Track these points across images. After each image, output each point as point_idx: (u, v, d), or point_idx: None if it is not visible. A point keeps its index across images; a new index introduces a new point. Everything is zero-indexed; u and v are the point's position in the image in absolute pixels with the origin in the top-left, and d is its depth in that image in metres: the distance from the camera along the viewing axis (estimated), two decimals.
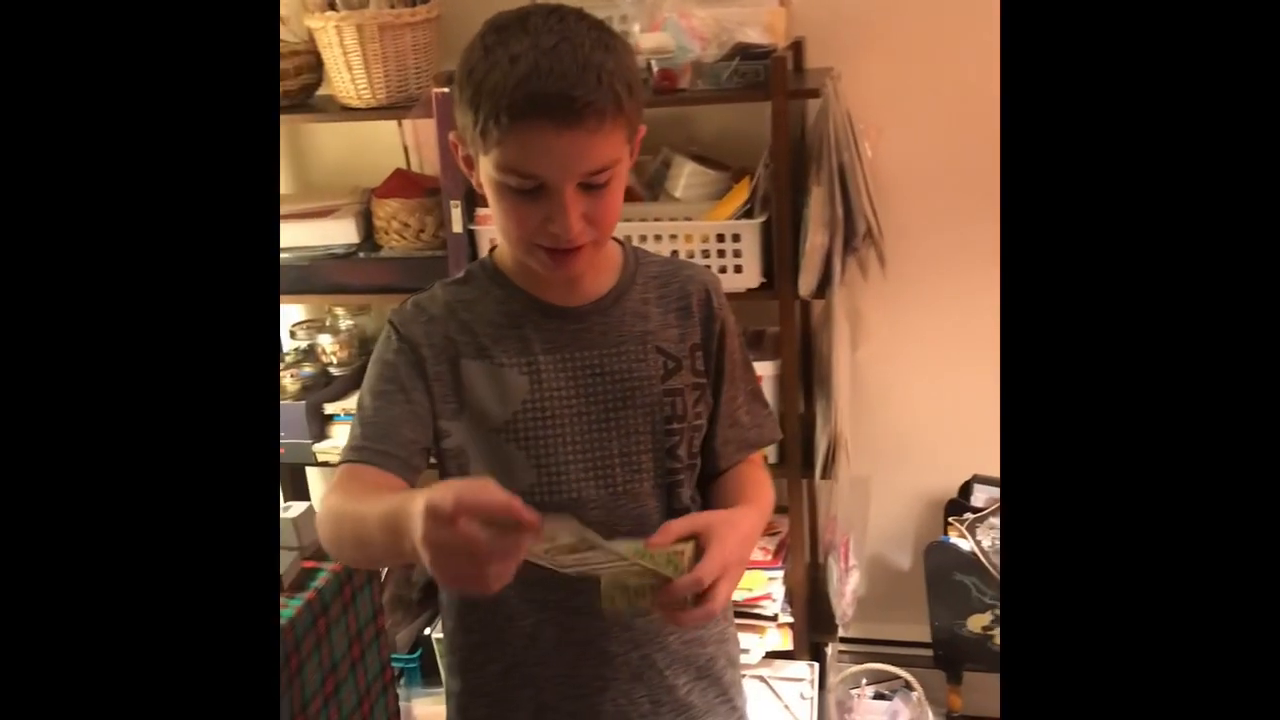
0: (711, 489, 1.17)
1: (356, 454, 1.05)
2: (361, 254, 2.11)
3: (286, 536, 1.68)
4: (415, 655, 2.25)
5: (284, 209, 2.19)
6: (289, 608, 1.56)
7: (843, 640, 2.33)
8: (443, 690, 2.16)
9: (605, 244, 1.07)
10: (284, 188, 2.39)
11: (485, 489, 0.82)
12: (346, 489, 1.02)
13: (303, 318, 2.46)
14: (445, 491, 0.81)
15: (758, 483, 1.16)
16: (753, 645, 2.01)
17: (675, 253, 1.88)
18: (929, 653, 2.18)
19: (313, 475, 2.54)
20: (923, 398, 2.22)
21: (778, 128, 1.80)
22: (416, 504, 0.82)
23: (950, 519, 2.03)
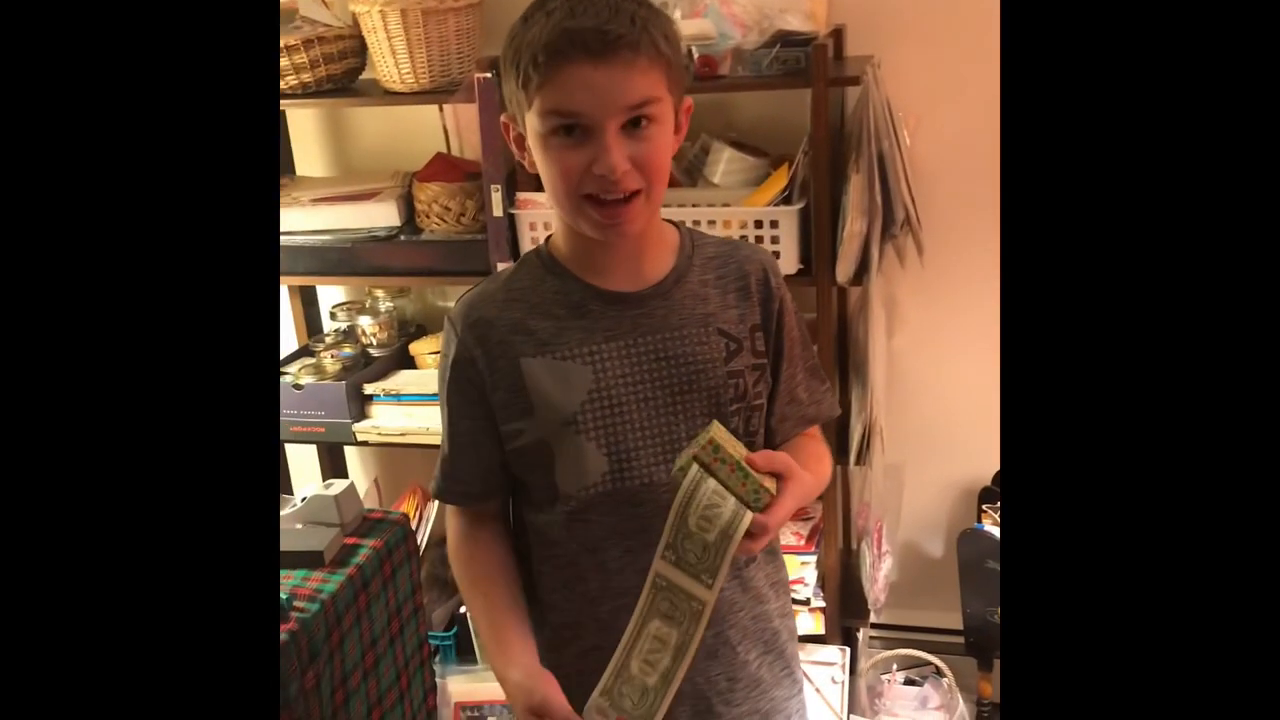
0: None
1: (440, 492, 1.20)
2: (402, 237, 2.13)
3: (328, 514, 1.71)
4: (451, 633, 2.28)
5: (326, 191, 2.22)
6: (330, 583, 1.59)
7: (875, 626, 2.34)
8: (478, 667, 2.21)
9: (656, 200, 1.06)
10: (326, 170, 2.43)
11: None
12: (462, 543, 1.20)
13: (343, 299, 2.49)
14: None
15: (818, 455, 1.19)
16: None
17: None
18: (960, 640, 2.19)
19: (351, 454, 2.58)
20: (958, 386, 2.22)
21: (817, 115, 1.81)
22: (508, 671, 1.10)
23: (984, 507, 2.04)
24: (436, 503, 2.38)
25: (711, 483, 0.97)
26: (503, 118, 1.09)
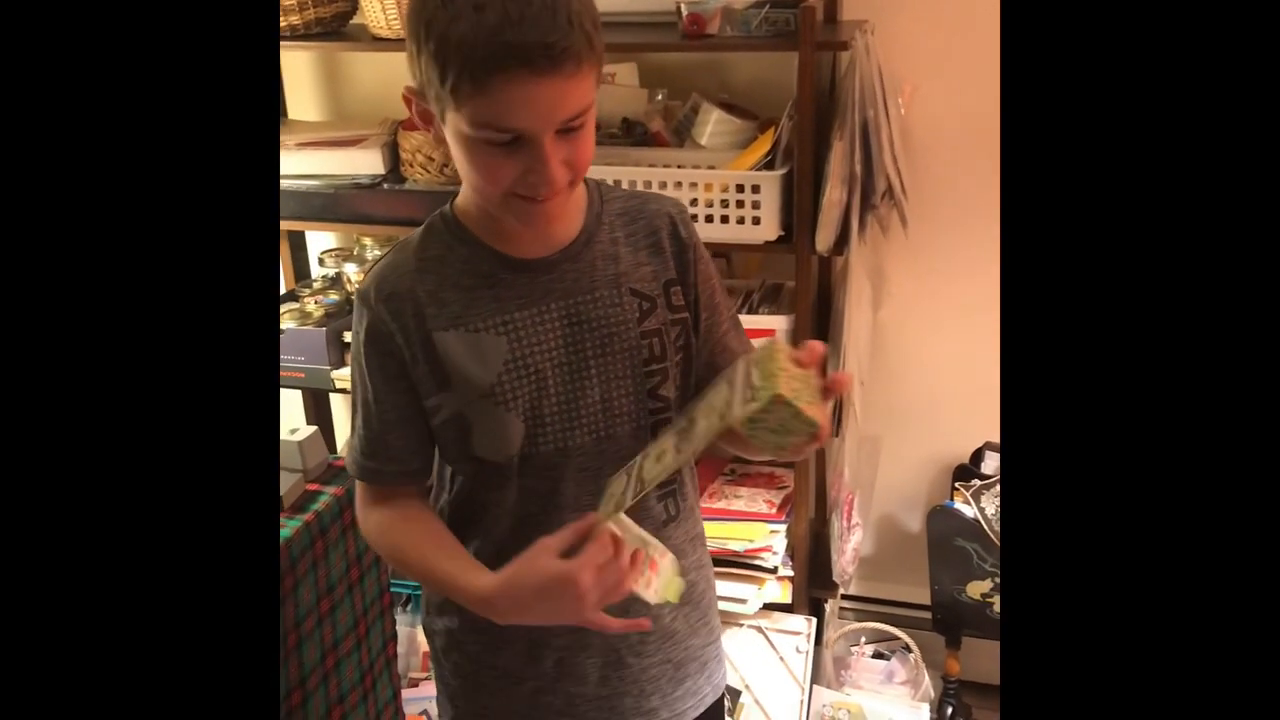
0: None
1: (359, 471, 1.15)
2: (385, 185, 2.12)
3: (291, 459, 1.71)
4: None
5: (314, 136, 2.21)
6: (287, 528, 1.60)
7: (847, 598, 2.34)
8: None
9: (577, 184, 1.04)
10: (316, 114, 2.41)
11: (546, 550, 0.99)
12: (389, 520, 1.14)
13: (332, 245, 2.49)
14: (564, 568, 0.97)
15: None
16: (750, 596, 2.02)
17: (695, 201, 1.87)
18: (930, 616, 2.19)
19: (336, 403, 2.59)
20: (942, 361, 2.20)
21: (803, 79, 1.77)
22: (480, 584, 1.03)
23: (957, 484, 2.02)
24: None
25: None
26: (405, 90, 1.03)
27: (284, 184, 2.15)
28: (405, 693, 2.07)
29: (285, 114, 2.38)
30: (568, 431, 1.08)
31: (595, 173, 1.14)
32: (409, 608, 2.30)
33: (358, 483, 1.17)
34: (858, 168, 1.76)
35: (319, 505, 1.67)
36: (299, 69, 2.40)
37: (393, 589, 1.94)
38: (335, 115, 2.41)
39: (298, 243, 2.48)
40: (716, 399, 0.95)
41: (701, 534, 1.24)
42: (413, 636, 2.27)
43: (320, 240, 2.51)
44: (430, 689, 2.20)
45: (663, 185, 1.87)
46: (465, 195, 1.09)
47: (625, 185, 1.79)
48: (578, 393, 1.08)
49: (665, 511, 1.15)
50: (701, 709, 1.24)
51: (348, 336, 2.22)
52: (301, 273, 2.49)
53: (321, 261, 2.46)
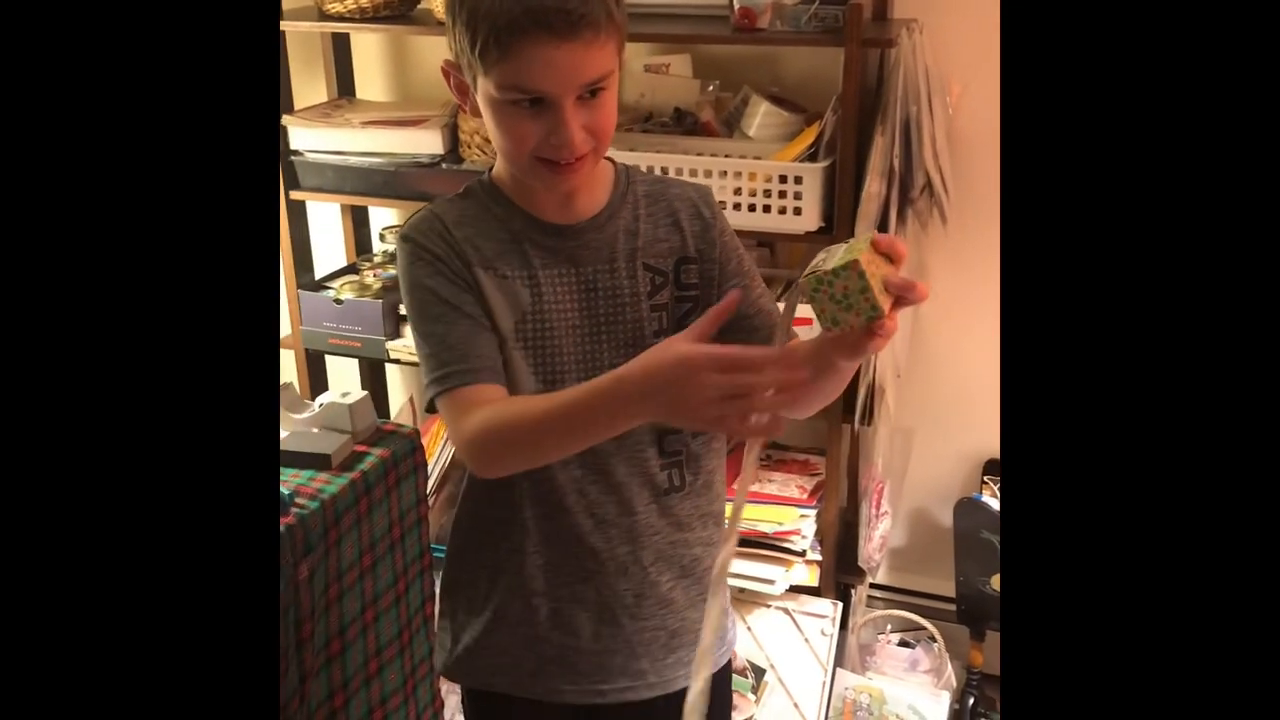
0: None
1: (451, 380, 1.10)
2: (444, 165, 2.20)
3: (341, 421, 1.80)
4: None
5: (378, 115, 2.30)
6: (333, 485, 1.69)
7: (875, 587, 2.38)
8: None
9: (602, 156, 1.12)
10: (382, 95, 2.51)
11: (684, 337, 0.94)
12: (494, 409, 1.07)
13: (395, 222, 2.58)
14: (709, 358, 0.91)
15: None
16: (778, 577, 2.08)
17: (739, 190, 1.93)
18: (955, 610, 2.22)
19: (392, 373, 2.69)
20: (978, 357, 2.23)
21: (848, 74, 1.82)
22: (607, 381, 0.97)
23: (985, 478, 2.05)
24: None
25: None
26: (443, 64, 1.12)
27: (348, 160, 2.25)
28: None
29: (354, 93, 2.47)
30: None
31: (646, 160, 1.21)
32: None
33: (447, 402, 1.11)
34: (896, 162, 1.80)
35: (365, 465, 1.75)
36: (368, 50, 2.49)
37: (434, 550, 2.03)
38: (400, 96, 2.50)
39: (360, 218, 2.58)
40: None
41: (716, 514, 1.28)
42: None
43: (382, 216, 2.60)
44: None
45: (708, 174, 1.92)
46: (500, 163, 1.18)
47: (673, 173, 1.86)
48: (591, 355, 1.15)
49: (669, 480, 1.20)
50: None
51: (404, 309, 2.31)
52: (363, 247, 2.59)
53: (382, 237, 2.55)
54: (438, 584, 1.89)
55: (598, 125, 1.07)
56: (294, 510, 1.61)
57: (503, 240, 1.15)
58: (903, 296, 0.94)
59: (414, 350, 2.27)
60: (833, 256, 0.94)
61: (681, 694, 1.27)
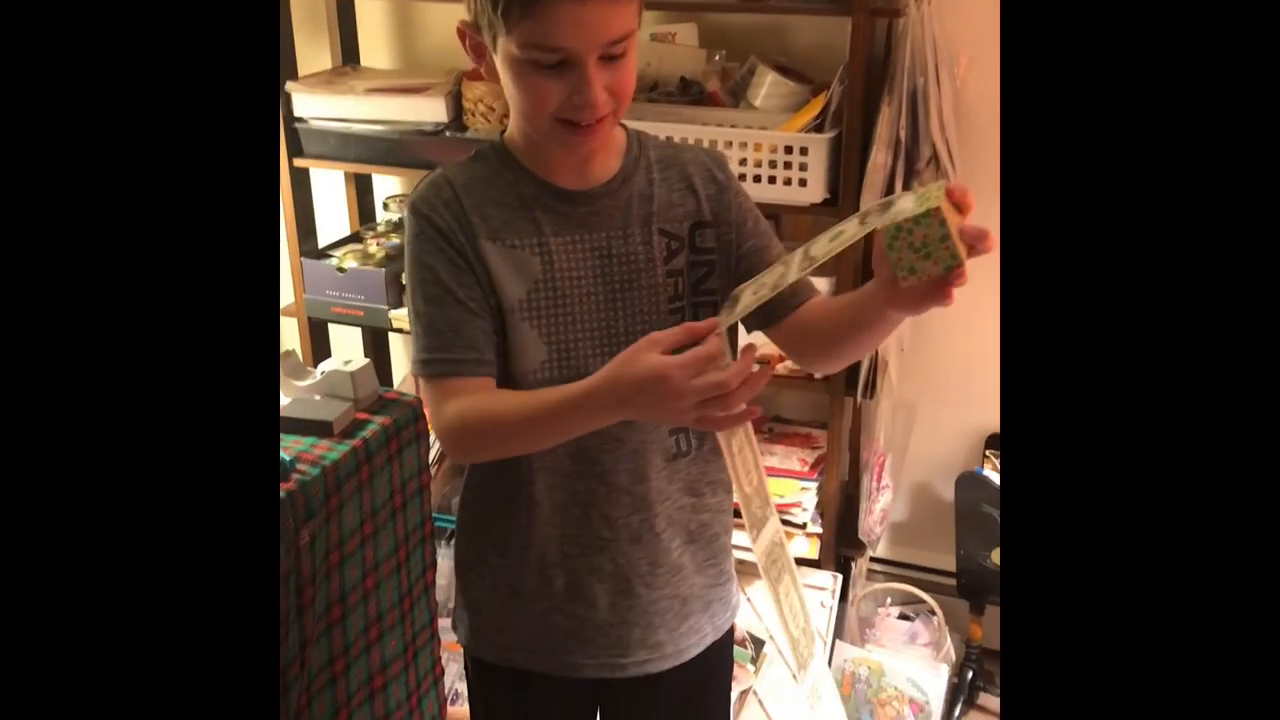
0: (814, 312, 1.17)
1: (433, 367, 1.12)
2: (448, 133, 2.19)
3: (343, 388, 1.80)
4: None
5: (383, 83, 2.29)
6: (335, 451, 1.69)
7: (876, 560, 2.38)
8: None
9: (620, 115, 1.11)
10: (388, 63, 2.49)
11: (652, 344, 0.96)
12: (470, 402, 1.09)
13: (398, 191, 2.58)
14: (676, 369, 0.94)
15: None
16: None
17: (744, 161, 1.92)
18: (955, 583, 2.23)
19: (395, 343, 2.68)
20: (981, 332, 2.21)
21: (855, 44, 1.81)
22: (581, 388, 1.00)
23: (988, 452, 2.05)
24: None
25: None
26: (460, 24, 1.11)
27: (352, 128, 2.24)
28: (442, 620, 2.16)
29: (358, 60, 2.46)
30: (591, 358, 1.15)
31: (651, 129, 1.21)
32: (450, 542, 2.40)
33: (429, 386, 1.14)
34: (903, 133, 1.79)
35: (367, 433, 1.75)
36: (373, 16, 2.48)
37: (435, 520, 2.03)
38: (405, 63, 2.49)
39: (364, 186, 2.57)
40: (857, 217, 0.93)
41: (725, 482, 1.28)
42: (450, 570, 2.37)
43: (385, 185, 2.60)
44: None
45: (714, 144, 1.91)
46: (514, 127, 1.16)
47: (678, 141, 1.84)
48: (605, 322, 1.15)
49: (676, 445, 1.21)
50: (702, 646, 1.30)
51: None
52: (366, 215, 2.58)
53: (386, 206, 2.54)
54: (439, 554, 1.90)
55: (619, 86, 1.06)
56: (295, 476, 1.61)
57: (512, 207, 1.14)
58: (974, 246, 0.93)
59: None
60: (895, 205, 0.93)
61: (691, 664, 1.28)
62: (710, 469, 1.25)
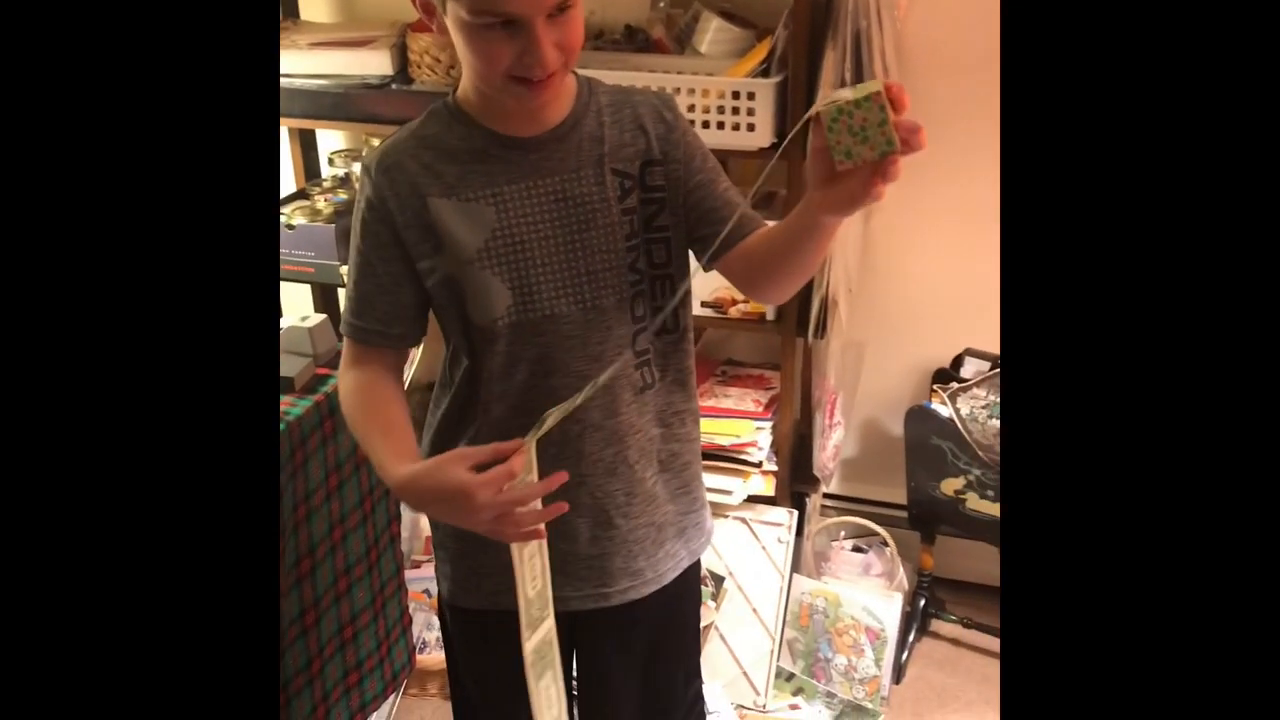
0: (758, 241, 1.20)
1: (347, 329, 1.24)
2: (394, 86, 2.18)
3: (302, 344, 1.81)
4: None
5: (325, 36, 2.26)
6: (298, 407, 1.70)
7: (829, 497, 2.45)
8: None
9: (570, 68, 1.14)
10: (328, 16, 2.46)
11: (462, 459, 1.07)
12: (357, 383, 1.24)
13: (342, 146, 2.55)
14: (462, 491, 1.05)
15: None
16: (735, 488, 2.13)
17: (692, 107, 1.93)
18: (907, 515, 2.30)
19: (343, 295, 2.67)
20: (926, 270, 2.28)
21: None
22: (397, 472, 1.12)
23: (935, 386, 2.11)
24: (421, 347, 2.49)
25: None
26: None
27: (294, 83, 2.22)
28: (408, 572, 2.19)
29: (298, 14, 2.43)
30: (555, 299, 1.18)
31: (597, 77, 1.23)
32: None
33: (344, 345, 1.26)
34: (848, 76, 1.82)
35: (328, 388, 1.76)
36: None
37: None
38: (346, 16, 2.46)
39: (308, 142, 2.55)
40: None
41: (691, 411, 1.32)
42: (415, 522, 2.39)
43: (329, 142, 2.57)
44: (430, 570, 2.33)
45: (662, 90, 1.93)
46: (465, 83, 1.19)
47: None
48: (564, 264, 1.18)
49: (642, 379, 1.25)
50: (678, 571, 1.35)
51: None
52: (312, 172, 2.56)
53: (331, 162, 2.52)
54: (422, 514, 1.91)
55: (567, 42, 1.09)
56: None
57: (464, 161, 1.17)
58: (908, 141, 0.96)
59: None
60: (836, 94, 0.97)
61: (670, 587, 1.33)
62: (675, 400, 1.29)
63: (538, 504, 1.10)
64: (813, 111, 0.98)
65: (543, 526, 1.11)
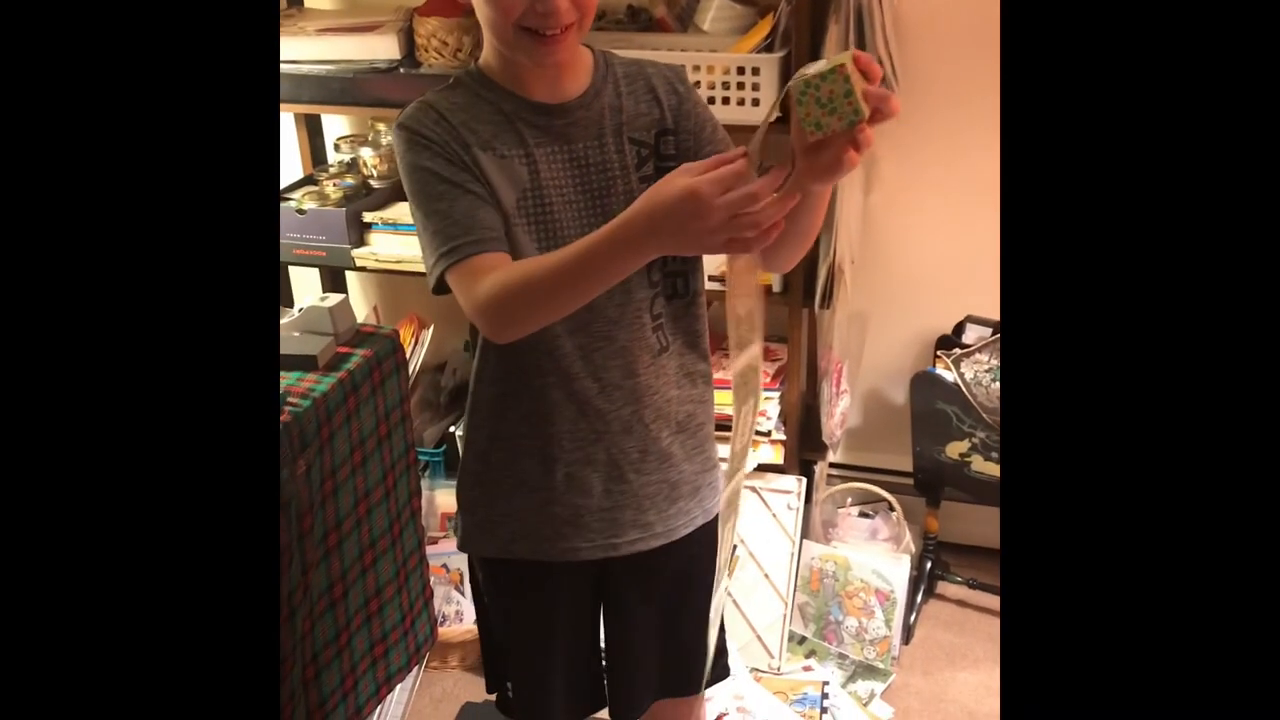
0: None
1: (459, 252, 1.15)
2: (402, 70, 2.22)
3: (323, 324, 1.84)
4: (440, 450, 2.46)
5: (332, 22, 2.29)
6: (322, 384, 1.74)
7: (835, 465, 2.50)
8: None
9: (584, 30, 1.18)
10: (335, 2, 2.49)
11: (684, 170, 1.00)
12: (503, 272, 1.13)
13: (347, 131, 2.59)
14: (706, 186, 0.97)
15: None
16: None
17: (697, 84, 1.97)
18: (912, 481, 2.35)
19: (352, 282, 2.71)
20: (927, 240, 2.33)
21: None
22: (613, 224, 1.04)
23: (939, 352, 2.17)
24: (430, 330, 2.53)
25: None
26: None
27: (302, 69, 2.25)
28: (426, 548, 2.24)
29: (301, 2, 2.45)
30: None
31: None
32: (426, 473, 2.46)
33: (457, 274, 1.16)
34: (851, 50, 1.86)
35: (350, 365, 1.80)
36: None
37: (420, 455, 2.10)
38: (352, 2, 2.49)
39: (315, 127, 2.58)
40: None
41: (704, 373, 1.37)
42: (430, 500, 2.44)
43: (335, 127, 2.61)
44: (447, 545, 2.38)
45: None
46: (487, 52, 1.24)
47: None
48: (586, 228, 1.21)
49: (658, 341, 1.30)
50: (691, 528, 1.40)
51: (368, 217, 2.33)
52: (318, 158, 2.59)
53: (337, 147, 2.56)
54: (435, 491, 1.95)
55: None
56: (288, 408, 1.66)
57: (497, 122, 1.22)
58: (879, 109, 0.99)
59: (381, 258, 2.31)
60: (814, 68, 1.00)
61: (681, 542, 1.38)
62: (688, 361, 1.34)
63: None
64: (786, 89, 1.02)
65: (780, 223, 0.99)
